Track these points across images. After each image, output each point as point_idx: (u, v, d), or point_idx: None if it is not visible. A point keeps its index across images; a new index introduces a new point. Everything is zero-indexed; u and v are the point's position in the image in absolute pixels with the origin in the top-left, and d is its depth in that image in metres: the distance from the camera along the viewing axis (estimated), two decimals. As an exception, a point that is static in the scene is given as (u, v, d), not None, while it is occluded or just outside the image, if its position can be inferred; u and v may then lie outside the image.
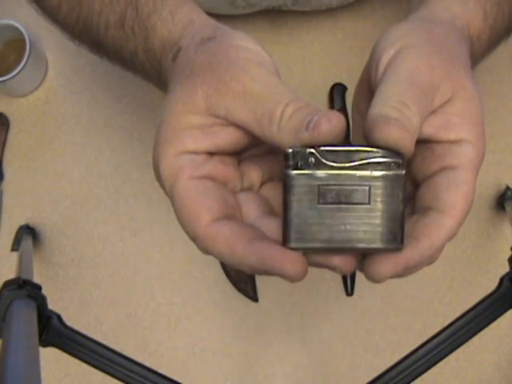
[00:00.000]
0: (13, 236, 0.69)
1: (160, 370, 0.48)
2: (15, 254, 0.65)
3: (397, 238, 0.28)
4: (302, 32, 0.73)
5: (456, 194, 0.29)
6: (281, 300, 0.70)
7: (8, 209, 0.72)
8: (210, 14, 0.38)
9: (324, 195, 0.28)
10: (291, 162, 0.28)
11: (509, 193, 0.69)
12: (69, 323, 0.48)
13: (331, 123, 0.27)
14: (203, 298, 0.70)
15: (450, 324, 0.47)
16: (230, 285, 0.70)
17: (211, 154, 0.31)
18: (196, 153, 0.30)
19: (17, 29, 0.69)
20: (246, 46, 0.32)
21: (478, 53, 0.38)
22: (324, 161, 0.28)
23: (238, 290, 0.70)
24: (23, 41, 0.68)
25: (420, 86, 0.30)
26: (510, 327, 0.69)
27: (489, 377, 0.69)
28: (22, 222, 0.71)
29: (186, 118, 0.30)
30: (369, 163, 0.28)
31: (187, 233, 0.30)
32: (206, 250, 0.30)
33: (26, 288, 0.47)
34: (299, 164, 0.28)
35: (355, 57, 0.72)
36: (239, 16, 0.73)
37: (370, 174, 0.28)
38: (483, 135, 0.31)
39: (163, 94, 0.70)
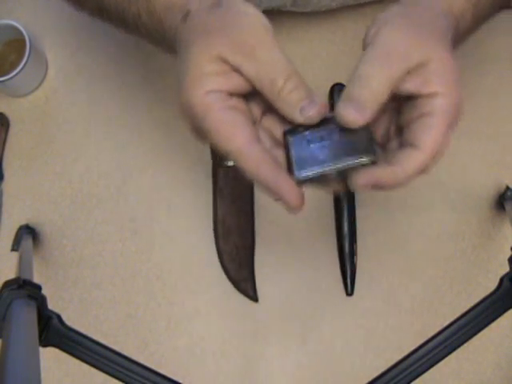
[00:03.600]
0: (13, 236, 0.69)
1: (160, 370, 0.48)
2: (15, 254, 0.65)
3: (369, 151, 0.37)
4: (302, 31, 0.73)
5: (428, 134, 0.36)
6: (281, 300, 0.70)
7: (8, 209, 0.72)
8: None
9: (313, 141, 0.38)
10: (288, 134, 0.38)
11: (509, 193, 0.69)
12: (69, 323, 0.48)
13: (320, 114, 0.36)
14: (203, 298, 0.70)
15: (450, 324, 0.47)
16: (230, 285, 0.70)
17: (231, 94, 0.37)
18: (220, 91, 0.36)
19: (17, 29, 0.69)
20: (251, 12, 0.37)
21: (463, 30, 0.42)
22: (310, 128, 0.38)
23: (238, 290, 0.70)
24: (23, 41, 0.68)
25: (391, 52, 0.37)
26: (510, 327, 0.69)
27: (489, 377, 0.69)
28: (22, 222, 0.71)
29: (207, 66, 0.36)
30: None
31: (222, 151, 0.37)
32: (236, 163, 0.37)
33: (26, 288, 0.47)
34: (293, 132, 0.38)
35: (355, 57, 0.72)
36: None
37: None
38: (456, 89, 0.37)
39: (163, 91, 0.70)
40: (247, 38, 0.36)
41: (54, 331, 0.47)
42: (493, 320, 0.47)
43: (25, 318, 0.43)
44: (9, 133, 0.73)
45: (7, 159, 0.73)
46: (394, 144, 0.40)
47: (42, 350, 0.44)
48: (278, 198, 0.36)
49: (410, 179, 0.37)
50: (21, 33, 0.68)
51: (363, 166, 0.37)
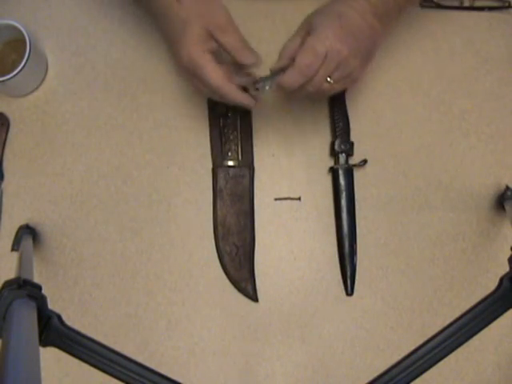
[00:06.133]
0: (13, 236, 0.69)
1: (160, 370, 0.48)
2: (15, 254, 0.65)
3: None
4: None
5: (298, 54, 0.59)
6: (281, 300, 0.70)
7: (8, 209, 0.72)
8: None
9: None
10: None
11: (509, 193, 0.69)
12: (69, 323, 0.48)
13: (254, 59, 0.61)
14: (203, 298, 0.70)
15: (450, 324, 0.47)
16: (230, 285, 0.70)
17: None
18: (210, 51, 0.59)
19: (17, 29, 0.69)
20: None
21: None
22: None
23: (238, 289, 0.70)
24: (23, 41, 0.68)
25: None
26: (510, 327, 0.69)
27: (489, 377, 0.69)
28: (22, 222, 0.71)
29: (202, 37, 0.58)
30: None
31: (210, 87, 0.61)
32: (217, 90, 0.60)
33: (26, 288, 0.47)
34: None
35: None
36: (240, 11, 0.73)
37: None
38: (319, 40, 0.59)
39: (162, 91, 0.70)
40: (221, 21, 0.59)
41: (54, 331, 0.47)
42: (493, 320, 0.47)
43: (25, 318, 0.43)
44: (9, 133, 0.73)
45: (7, 159, 0.73)
46: None
47: (42, 349, 0.44)
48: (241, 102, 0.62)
49: (294, 79, 0.60)
50: (21, 33, 0.68)
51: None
